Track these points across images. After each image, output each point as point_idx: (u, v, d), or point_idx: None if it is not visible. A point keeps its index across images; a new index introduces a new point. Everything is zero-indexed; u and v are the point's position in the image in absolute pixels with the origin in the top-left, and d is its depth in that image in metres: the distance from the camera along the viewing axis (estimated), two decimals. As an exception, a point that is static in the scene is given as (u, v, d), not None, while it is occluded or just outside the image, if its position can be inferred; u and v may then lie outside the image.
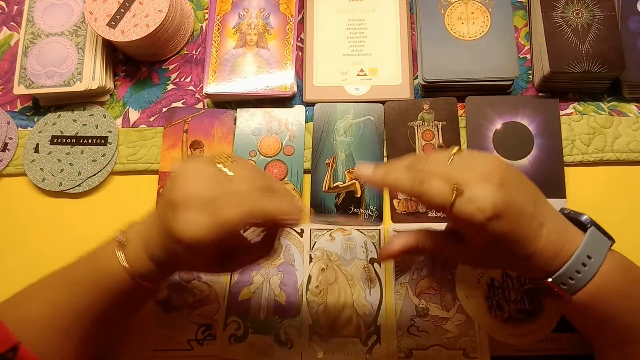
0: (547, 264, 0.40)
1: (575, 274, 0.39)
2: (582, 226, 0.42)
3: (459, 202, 0.37)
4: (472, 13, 0.60)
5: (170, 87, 0.64)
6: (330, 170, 0.59)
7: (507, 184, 0.38)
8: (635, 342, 0.40)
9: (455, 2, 0.61)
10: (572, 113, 0.59)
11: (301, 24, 0.64)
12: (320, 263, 0.56)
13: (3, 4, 0.70)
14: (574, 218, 0.42)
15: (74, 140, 0.62)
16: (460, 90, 0.59)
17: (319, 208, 0.58)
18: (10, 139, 0.63)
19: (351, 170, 0.58)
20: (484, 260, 0.43)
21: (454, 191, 0.37)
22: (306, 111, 0.61)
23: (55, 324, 0.44)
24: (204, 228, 0.37)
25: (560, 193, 0.56)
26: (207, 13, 0.66)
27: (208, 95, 0.62)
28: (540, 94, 0.60)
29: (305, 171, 0.59)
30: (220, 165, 0.40)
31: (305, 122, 0.61)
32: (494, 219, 0.37)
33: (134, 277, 0.42)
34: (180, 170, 0.40)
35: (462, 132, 0.59)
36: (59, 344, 0.44)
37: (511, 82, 0.58)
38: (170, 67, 0.65)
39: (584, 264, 0.39)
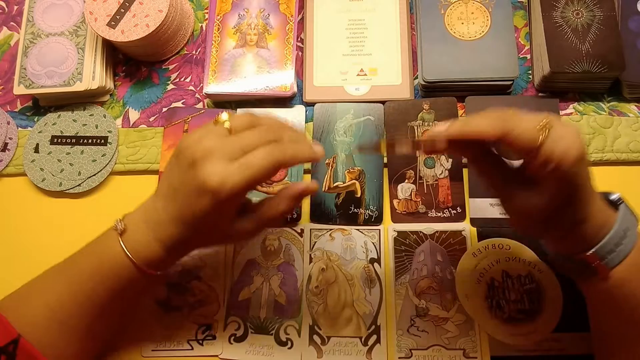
0: (593, 234, 0.39)
1: (615, 247, 0.39)
2: (613, 204, 0.42)
3: (550, 140, 0.35)
4: (472, 13, 0.60)
5: (170, 87, 0.64)
6: (330, 170, 0.59)
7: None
8: None
9: (455, 2, 0.61)
10: (572, 113, 0.59)
11: (301, 24, 0.64)
12: (320, 263, 0.56)
13: (3, 4, 0.70)
14: (604, 196, 0.43)
15: (74, 140, 0.62)
16: (460, 90, 0.59)
17: (319, 208, 0.58)
18: (10, 139, 0.63)
19: (351, 170, 0.58)
20: (538, 215, 0.39)
21: (545, 128, 0.35)
22: (306, 111, 0.61)
23: (56, 317, 0.44)
24: (236, 174, 0.38)
25: (560, 193, 0.56)
26: (207, 13, 0.66)
27: (208, 95, 0.62)
28: (540, 94, 0.60)
29: (305, 171, 0.59)
30: (226, 125, 0.41)
31: (305, 122, 0.61)
32: (580, 161, 0.35)
33: (137, 264, 0.42)
34: (189, 135, 0.41)
35: (462, 132, 0.59)
36: (60, 337, 0.44)
37: (511, 82, 0.58)
38: (170, 67, 0.65)
39: (623, 237, 0.39)
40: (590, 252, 0.39)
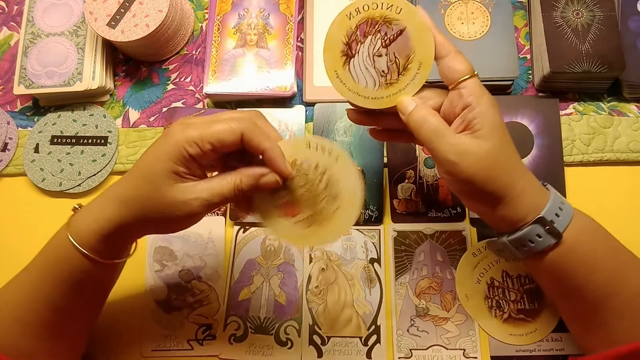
0: (537, 201, 0.42)
1: (559, 210, 0.41)
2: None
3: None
4: (472, 13, 0.60)
5: (170, 87, 0.64)
6: (330, 170, 0.59)
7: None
8: (601, 308, 0.41)
9: (455, 2, 0.61)
10: (572, 113, 0.59)
11: (301, 24, 0.64)
12: (320, 263, 0.56)
13: (3, 4, 0.70)
14: None
15: (74, 140, 0.62)
16: (460, 90, 0.59)
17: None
18: (10, 139, 0.63)
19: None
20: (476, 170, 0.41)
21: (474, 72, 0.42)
22: (306, 111, 0.61)
23: (18, 318, 0.43)
24: (195, 129, 0.39)
25: (561, 193, 0.55)
26: (207, 13, 0.66)
27: (208, 95, 0.62)
28: (540, 94, 0.60)
29: (305, 171, 0.59)
30: None
31: (305, 122, 0.61)
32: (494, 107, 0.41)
33: (84, 252, 0.42)
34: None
35: (462, 132, 0.59)
36: (24, 338, 0.44)
37: (511, 82, 0.58)
38: (170, 67, 0.65)
39: (561, 203, 0.42)
40: (542, 213, 0.41)
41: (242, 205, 0.44)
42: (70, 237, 0.42)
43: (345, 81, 0.44)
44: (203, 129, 0.40)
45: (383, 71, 0.43)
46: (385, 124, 0.47)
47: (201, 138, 0.39)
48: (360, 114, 0.47)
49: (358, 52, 0.43)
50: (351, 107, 0.47)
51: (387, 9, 0.41)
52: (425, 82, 0.43)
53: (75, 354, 0.50)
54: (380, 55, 0.43)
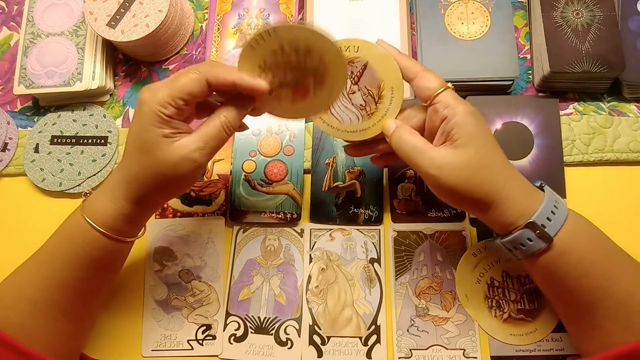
0: (528, 206, 0.42)
1: (552, 214, 0.41)
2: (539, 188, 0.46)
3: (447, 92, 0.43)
4: (472, 13, 0.60)
5: (170, 87, 0.64)
6: (331, 170, 0.59)
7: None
8: (595, 310, 0.41)
9: (455, 2, 0.61)
10: (572, 113, 0.59)
11: (301, 24, 0.64)
12: (320, 263, 0.56)
13: (3, 4, 0.70)
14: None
15: (74, 140, 0.62)
16: (460, 90, 0.59)
17: (319, 208, 0.58)
18: (10, 139, 0.63)
19: (351, 170, 0.58)
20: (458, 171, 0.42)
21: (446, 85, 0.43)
22: (306, 111, 0.61)
23: (25, 297, 0.44)
24: (163, 87, 0.41)
25: (560, 193, 0.56)
26: (207, 13, 0.66)
27: (208, 95, 0.62)
28: (540, 94, 0.60)
29: (305, 171, 0.59)
30: None
31: (305, 122, 0.61)
32: (471, 115, 0.42)
33: (99, 229, 0.43)
34: None
35: (462, 132, 0.59)
36: (31, 318, 0.44)
37: (511, 82, 0.58)
38: (170, 67, 0.65)
39: (555, 207, 0.42)
40: (532, 218, 0.41)
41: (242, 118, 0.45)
42: (87, 218, 0.43)
43: (332, 124, 0.47)
44: (170, 88, 0.41)
45: (361, 105, 0.46)
46: (381, 150, 0.49)
47: (171, 97, 0.40)
48: (357, 147, 0.50)
49: None
50: (347, 144, 0.50)
51: (345, 51, 0.43)
52: (403, 101, 0.46)
53: (80, 337, 0.50)
54: (354, 92, 0.46)
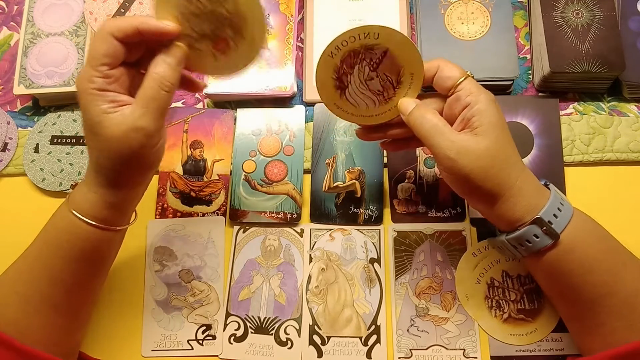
0: (535, 201, 0.42)
1: (558, 210, 0.41)
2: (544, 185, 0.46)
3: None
4: (472, 13, 0.60)
5: (170, 87, 0.64)
6: (330, 170, 0.59)
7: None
8: (598, 307, 0.41)
9: (455, 2, 0.61)
10: (572, 113, 0.59)
11: (301, 24, 0.64)
12: (320, 263, 0.56)
13: (3, 4, 0.70)
14: None
15: (74, 140, 0.62)
16: (460, 90, 0.59)
17: (319, 208, 0.58)
18: (10, 139, 0.63)
19: (351, 170, 0.58)
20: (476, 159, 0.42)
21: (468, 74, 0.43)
22: (306, 111, 0.61)
23: (15, 291, 0.44)
24: (96, 40, 0.40)
25: (560, 193, 0.56)
26: (207, 13, 0.66)
27: (208, 95, 0.62)
28: (540, 94, 0.60)
29: (305, 171, 0.59)
30: None
31: (305, 122, 0.61)
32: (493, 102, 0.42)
33: (83, 218, 0.43)
34: None
35: (462, 132, 0.59)
36: (20, 311, 0.44)
37: (511, 82, 0.58)
38: (170, 67, 0.65)
39: (561, 204, 0.42)
40: (539, 214, 0.41)
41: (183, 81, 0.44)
42: (71, 210, 0.43)
43: (347, 109, 0.46)
44: (87, 61, 0.40)
45: (378, 90, 0.45)
46: (393, 135, 0.48)
47: (91, 67, 0.39)
48: (369, 132, 0.49)
49: (350, 82, 0.45)
50: (358, 126, 0.49)
51: (365, 38, 0.42)
52: (421, 90, 0.45)
53: (75, 332, 0.49)
54: (371, 79, 0.45)
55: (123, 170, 0.42)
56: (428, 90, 0.46)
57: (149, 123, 0.40)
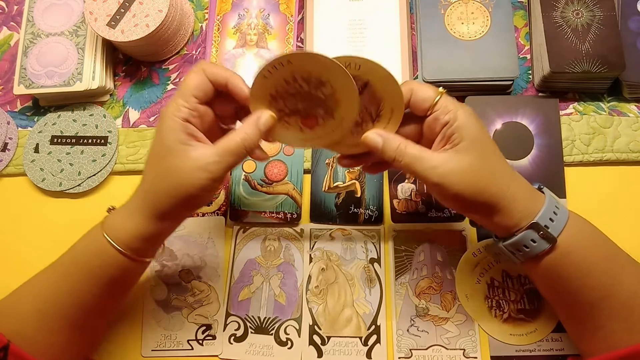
0: (531, 206, 0.42)
1: (554, 214, 0.41)
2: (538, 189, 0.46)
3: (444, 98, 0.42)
4: (472, 13, 0.60)
5: (170, 87, 0.64)
6: (330, 170, 0.59)
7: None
8: (597, 310, 0.41)
9: (455, 2, 0.61)
10: (572, 113, 0.59)
11: (301, 24, 0.64)
12: (320, 263, 0.56)
13: (3, 4, 0.69)
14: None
15: (74, 140, 0.62)
16: (460, 90, 0.59)
17: (319, 208, 0.58)
18: (10, 139, 0.63)
19: (351, 170, 0.58)
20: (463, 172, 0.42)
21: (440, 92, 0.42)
22: (306, 111, 0.61)
23: (44, 316, 0.44)
24: (177, 96, 0.42)
25: (560, 193, 0.56)
26: (207, 13, 0.66)
27: (208, 95, 0.62)
28: (540, 94, 0.60)
29: (305, 171, 0.59)
30: None
31: (305, 122, 0.61)
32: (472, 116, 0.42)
33: (119, 248, 0.43)
34: None
35: (462, 132, 0.59)
36: (49, 335, 0.44)
37: (511, 82, 0.58)
38: (170, 67, 0.65)
39: (556, 207, 0.42)
40: (535, 219, 0.41)
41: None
42: (106, 235, 0.43)
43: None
44: (178, 92, 0.42)
45: (357, 122, 0.44)
46: (374, 159, 0.48)
47: (181, 98, 0.41)
48: (349, 159, 0.48)
49: None
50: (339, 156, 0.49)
51: (346, 67, 0.41)
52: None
53: (88, 348, 0.50)
54: None
55: (175, 203, 0.43)
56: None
57: (219, 171, 0.42)
